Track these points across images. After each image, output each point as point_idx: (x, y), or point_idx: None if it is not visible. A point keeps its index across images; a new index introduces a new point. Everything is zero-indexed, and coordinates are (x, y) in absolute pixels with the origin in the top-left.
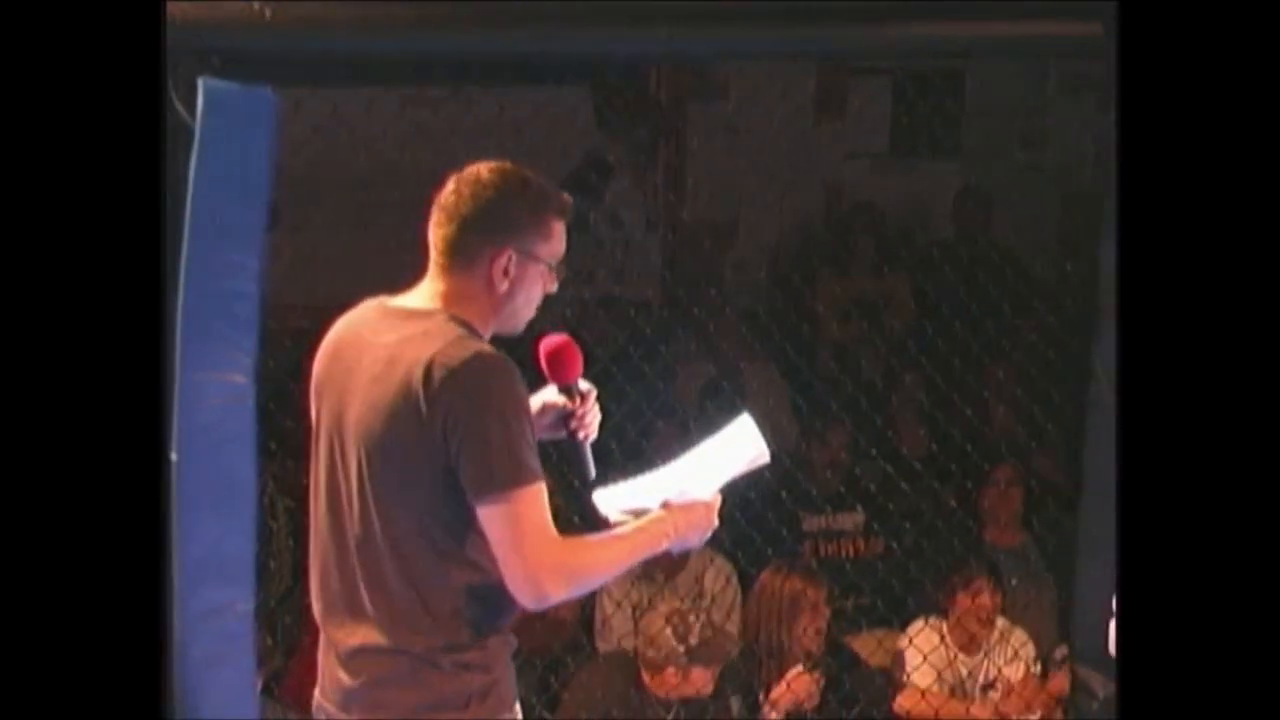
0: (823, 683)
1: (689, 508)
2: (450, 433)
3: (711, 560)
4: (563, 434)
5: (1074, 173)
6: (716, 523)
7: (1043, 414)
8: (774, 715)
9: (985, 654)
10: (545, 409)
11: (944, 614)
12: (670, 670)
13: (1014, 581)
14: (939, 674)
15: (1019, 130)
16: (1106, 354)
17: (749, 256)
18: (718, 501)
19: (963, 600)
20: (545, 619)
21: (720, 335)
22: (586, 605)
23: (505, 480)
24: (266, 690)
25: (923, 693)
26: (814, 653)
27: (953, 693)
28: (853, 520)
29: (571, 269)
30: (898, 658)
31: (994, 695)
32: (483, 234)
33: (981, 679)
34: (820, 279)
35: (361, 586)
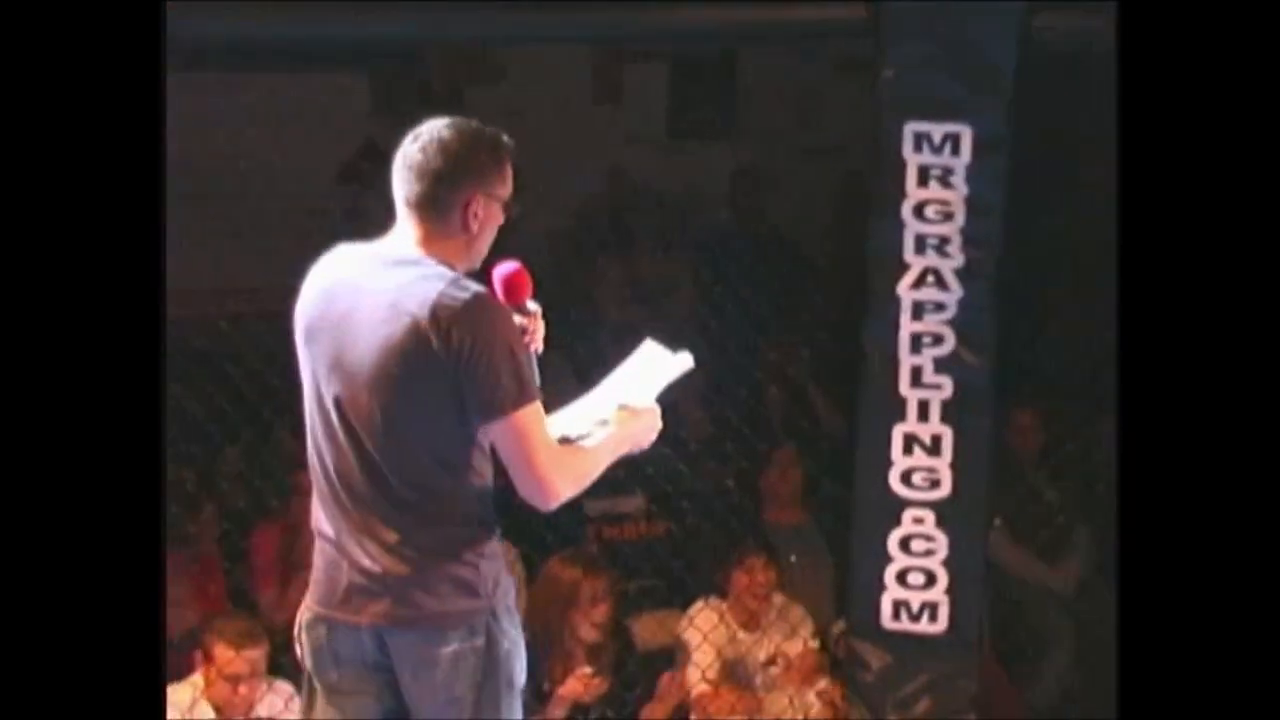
0: (606, 684)
1: (639, 413)
2: (462, 364)
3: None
4: None
5: (847, 153)
6: (660, 425)
7: (816, 392)
8: (558, 713)
9: (764, 631)
10: None
11: (723, 593)
12: None
13: (794, 559)
14: (718, 652)
15: (793, 112)
16: (876, 333)
17: (528, 241)
18: (658, 408)
19: (739, 578)
20: None
21: None
22: None
23: (514, 400)
24: None
25: (703, 671)
26: (595, 642)
27: (733, 670)
28: (634, 503)
29: None
30: (679, 638)
31: (774, 671)
32: (453, 185)
33: (762, 656)
34: (600, 263)
35: (376, 501)
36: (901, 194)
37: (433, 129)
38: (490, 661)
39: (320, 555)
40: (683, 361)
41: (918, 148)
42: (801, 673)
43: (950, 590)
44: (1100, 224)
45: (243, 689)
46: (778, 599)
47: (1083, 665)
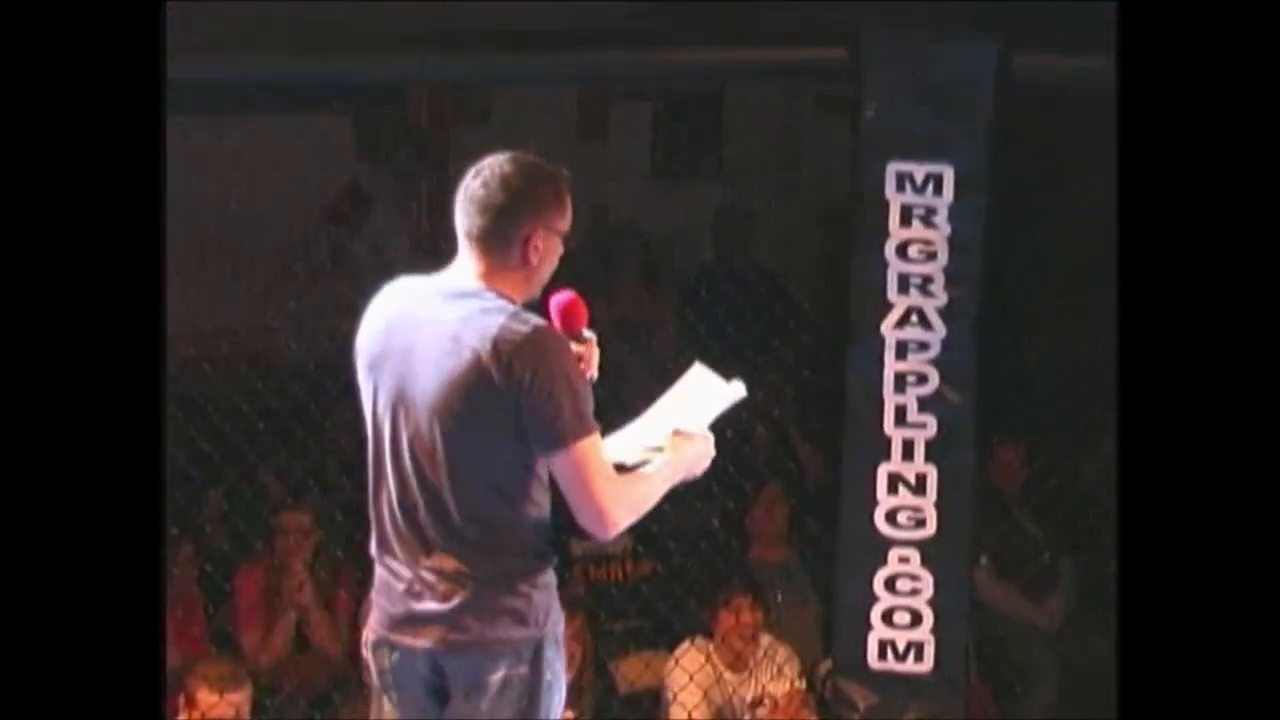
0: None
1: (693, 439)
2: (523, 397)
3: None
4: None
5: (830, 192)
6: (713, 452)
7: (801, 432)
8: None
9: (750, 672)
10: None
11: (709, 634)
12: None
13: (779, 598)
14: (705, 693)
15: (777, 151)
16: (860, 372)
17: None
18: (712, 436)
19: (725, 619)
20: (311, 655)
21: None
22: (348, 640)
23: (575, 432)
24: None
25: (689, 713)
26: (573, 682)
27: (719, 712)
28: (619, 544)
29: (333, 299)
30: (665, 679)
31: (761, 712)
32: (514, 219)
33: (749, 696)
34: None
35: (436, 530)
36: (885, 233)
37: (494, 163)
38: (534, 690)
39: (380, 580)
40: (735, 390)
41: (900, 187)
42: (788, 713)
43: (935, 629)
44: (1080, 260)
45: None
46: (765, 639)
47: (1068, 700)
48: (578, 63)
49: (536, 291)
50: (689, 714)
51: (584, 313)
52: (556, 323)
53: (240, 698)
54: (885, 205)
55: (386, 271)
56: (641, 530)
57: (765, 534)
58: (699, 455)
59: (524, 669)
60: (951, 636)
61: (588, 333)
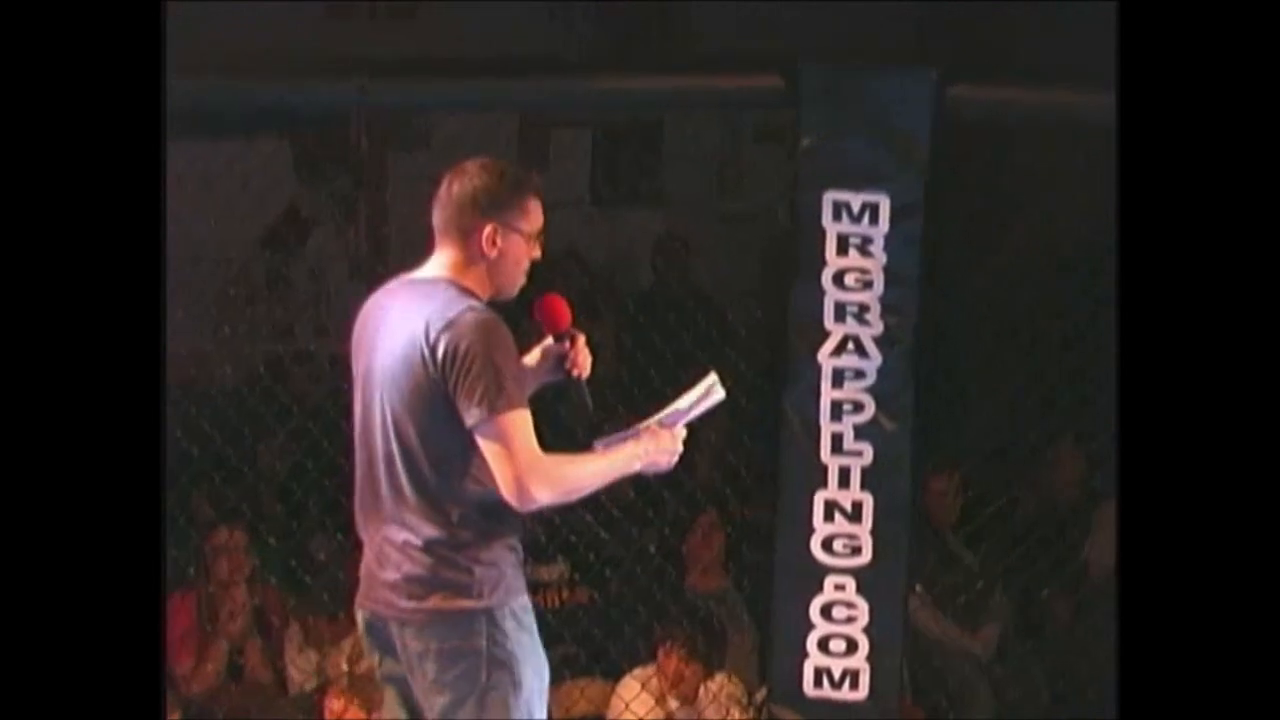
0: None
1: (657, 434)
2: (447, 375)
3: None
4: (561, 375)
5: (768, 220)
6: (680, 449)
7: (737, 459)
8: None
9: (693, 702)
10: (545, 355)
11: (649, 663)
12: (333, 697)
13: (717, 625)
14: None
15: (715, 179)
16: (797, 399)
17: None
18: (682, 432)
19: (669, 650)
20: (243, 683)
21: None
22: (279, 666)
23: (494, 407)
24: None
25: None
26: None
27: None
28: (556, 571)
29: (269, 324)
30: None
31: None
32: (471, 214)
33: None
34: (522, 328)
35: (392, 503)
36: (821, 262)
37: (463, 164)
38: (491, 663)
39: (363, 551)
40: (716, 393)
41: (837, 216)
42: None
43: (871, 657)
44: (1017, 287)
45: None
46: (719, 677)
47: None
48: (518, 89)
49: (509, 290)
50: None
51: (565, 312)
52: (541, 321)
53: None
54: (822, 234)
55: (323, 296)
56: (578, 558)
57: (702, 561)
58: (663, 450)
59: (478, 641)
60: (887, 664)
61: (572, 331)
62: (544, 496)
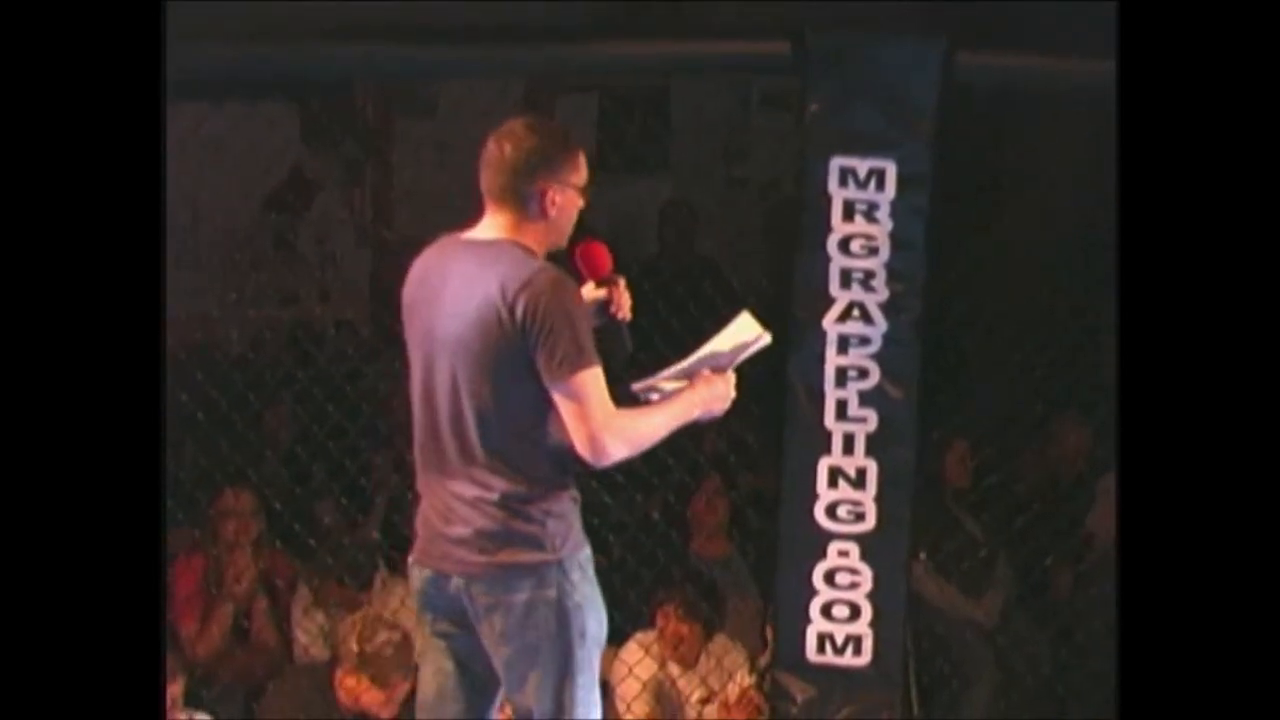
0: None
1: (711, 381)
2: (527, 334)
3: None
4: (603, 320)
5: (774, 187)
6: (733, 394)
7: (742, 426)
8: None
9: (694, 667)
10: (588, 301)
11: (651, 627)
12: (345, 674)
13: (721, 591)
14: (644, 685)
15: (722, 145)
16: (802, 366)
17: None
18: (733, 377)
19: (668, 613)
20: (248, 646)
21: None
22: (285, 628)
23: (572, 365)
24: None
25: (629, 704)
26: None
27: (663, 706)
28: None
29: (274, 289)
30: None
31: (709, 711)
32: (530, 176)
33: (697, 694)
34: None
35: (460, 460)
36: (827, 228)
37: (509, 126)
38: (561, 613)
39: (422, 505)
40: (763, 337)
41: (843, 182)
42: (739, 714)
43: (874, 623)
44: (1023, 257)
45: None
46: (719, 639)
47: (1003, 697)
48: (524, 55)
49: (561, 242)
50: (628, 706)
51: (607, 257)
52: (581, 268)
53: (173, 689)
54: (828, 200)
55: (329, 261)
56: (583, 523)
57: (706, 527)
58: (716, 396)
59: (550, 592)
60: (889, 630)
61: (614, 276)
62: (619, 452)
